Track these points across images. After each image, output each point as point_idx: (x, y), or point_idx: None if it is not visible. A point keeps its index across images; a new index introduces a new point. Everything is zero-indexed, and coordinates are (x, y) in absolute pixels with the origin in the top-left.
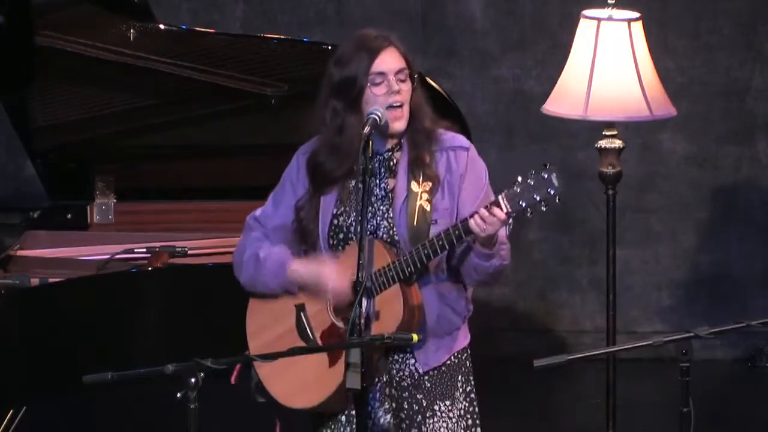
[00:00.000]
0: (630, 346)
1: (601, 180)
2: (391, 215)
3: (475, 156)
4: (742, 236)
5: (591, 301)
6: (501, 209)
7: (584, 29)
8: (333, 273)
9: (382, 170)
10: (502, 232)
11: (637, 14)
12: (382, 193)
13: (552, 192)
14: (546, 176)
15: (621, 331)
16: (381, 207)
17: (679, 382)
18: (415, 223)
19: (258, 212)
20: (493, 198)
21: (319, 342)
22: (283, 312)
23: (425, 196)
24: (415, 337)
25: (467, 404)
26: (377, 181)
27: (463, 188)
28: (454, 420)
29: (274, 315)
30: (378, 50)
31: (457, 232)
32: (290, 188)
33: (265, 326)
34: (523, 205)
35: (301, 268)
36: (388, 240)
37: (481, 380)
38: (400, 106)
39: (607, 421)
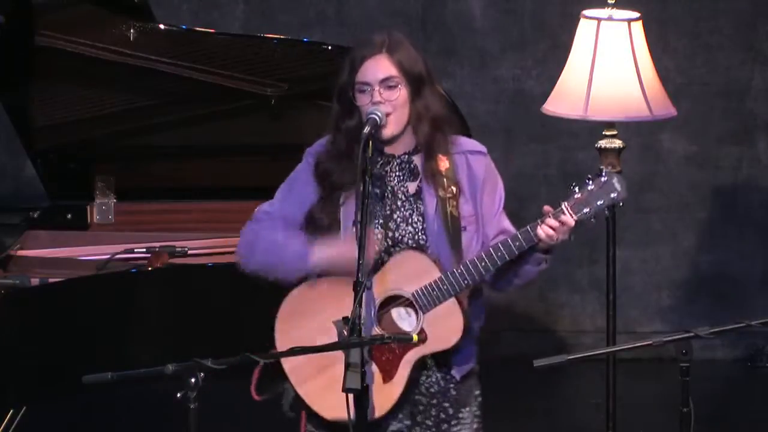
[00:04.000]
0: (630, 346)
1: None
2: (416, 220)
3: (491, 161)
4: (742, 236)
5: (591, 301)
6: (568, 216)
7: (584, 29)
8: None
9: (402, 174)
10: None
11: (637, 14)
12: (404, 197)
13: (615, 196)
14: (606, 180)
15: (621, 331)
16: (405, 212)
17: (679, 382)
18: (450, 230)
19: (265, 206)
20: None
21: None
22: (323, 328)
23: (452, 202)
24: (414, 337)
25: (475, 408)
26: (398, 184)
27: (485, 193)
28: (467, 424)
29: (310, 332)
30: (362, 60)
31: (517, 242)
32: (301, 185)
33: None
34: (587, 211)
35: (325, 247)
36: (414, 245)
37: (481, 380)
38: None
39: (607, 421)
